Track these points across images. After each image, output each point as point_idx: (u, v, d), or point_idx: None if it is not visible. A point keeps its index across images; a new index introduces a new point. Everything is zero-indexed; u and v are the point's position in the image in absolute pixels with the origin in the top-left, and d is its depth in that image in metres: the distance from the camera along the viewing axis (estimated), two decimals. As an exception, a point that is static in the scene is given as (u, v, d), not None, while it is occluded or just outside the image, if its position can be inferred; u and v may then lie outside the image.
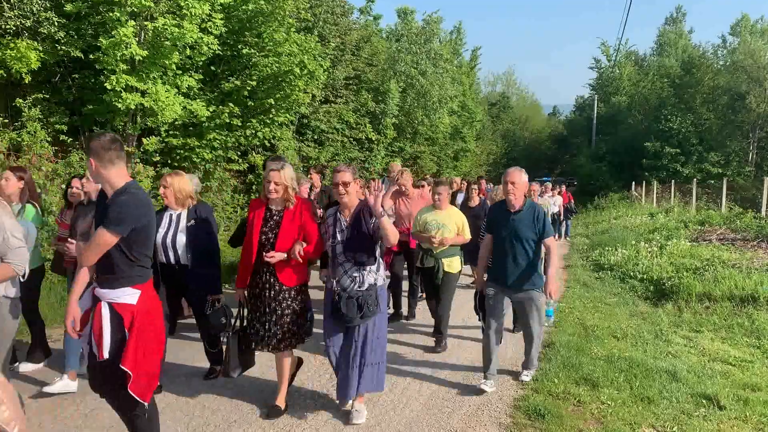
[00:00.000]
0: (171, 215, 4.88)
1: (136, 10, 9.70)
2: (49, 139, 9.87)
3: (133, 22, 9.49)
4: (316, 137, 18.21)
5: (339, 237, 4.16)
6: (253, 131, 13.10)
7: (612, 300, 8.74)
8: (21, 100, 9.73)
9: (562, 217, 16.45)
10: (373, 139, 20.89)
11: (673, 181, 26.45)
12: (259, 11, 12.42)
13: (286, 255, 4.09)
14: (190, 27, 9.96)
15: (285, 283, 4.18)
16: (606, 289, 9.59)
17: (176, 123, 11.36)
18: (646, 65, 45.28)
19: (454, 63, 32.37)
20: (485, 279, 5.17)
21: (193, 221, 4.85)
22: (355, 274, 4.10)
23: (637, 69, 44.73)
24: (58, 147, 10.29)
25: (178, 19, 10.08)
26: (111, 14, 9.32)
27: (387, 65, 22.98)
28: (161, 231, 4.81)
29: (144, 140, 11.04)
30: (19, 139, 9.26)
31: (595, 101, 43.89)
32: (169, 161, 12.07)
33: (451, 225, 6.05)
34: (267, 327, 4.18)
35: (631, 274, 10.35)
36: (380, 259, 4.26)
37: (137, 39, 9.80)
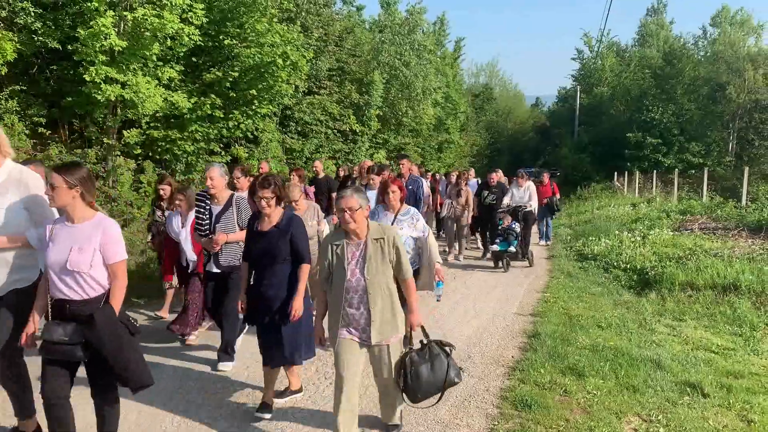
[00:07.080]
0: None
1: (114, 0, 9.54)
2: (27, 131, 9.71)
3: (111, 12, 9.33)
4: (299, 129, 18.12)
5: None
6: (236, 123, 12.97)
7: (596, 290, 8.79)
8: (-3, 92, 9.55)
9: (536, 216, 11.94)
10: (357, 130, 20.80)
11: (654, 171, 26.71)
12: (241, 1, 12.28)
13: None
14: (170, 17, 9.82)
15: None
16: (590, 279, 9.65)
17: (157, 115, 11.22)
18: (628, 56, 45.51)
19: (438, 54, 32.28)
20: None
21: None
22: None
23: (619, 60, 44.97)
24: (36, 140, 10.11)
25: (158, 9, 9.92)
26: (89, 4, 9.15)
27: (370, 56, 22.85)
28: None
29: (125, 132, 10.90)
30: (-5, 132, 9.07)
31: (578, 92, 44.06)
32: (150, 154, 11.92)
33: None
34: None
35: (615, 263, 10.43)
36: None
37: (116, 29, 9.63)
